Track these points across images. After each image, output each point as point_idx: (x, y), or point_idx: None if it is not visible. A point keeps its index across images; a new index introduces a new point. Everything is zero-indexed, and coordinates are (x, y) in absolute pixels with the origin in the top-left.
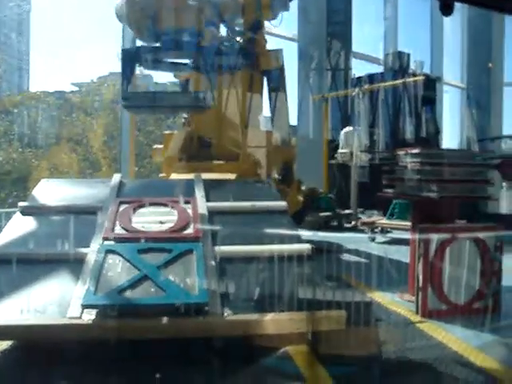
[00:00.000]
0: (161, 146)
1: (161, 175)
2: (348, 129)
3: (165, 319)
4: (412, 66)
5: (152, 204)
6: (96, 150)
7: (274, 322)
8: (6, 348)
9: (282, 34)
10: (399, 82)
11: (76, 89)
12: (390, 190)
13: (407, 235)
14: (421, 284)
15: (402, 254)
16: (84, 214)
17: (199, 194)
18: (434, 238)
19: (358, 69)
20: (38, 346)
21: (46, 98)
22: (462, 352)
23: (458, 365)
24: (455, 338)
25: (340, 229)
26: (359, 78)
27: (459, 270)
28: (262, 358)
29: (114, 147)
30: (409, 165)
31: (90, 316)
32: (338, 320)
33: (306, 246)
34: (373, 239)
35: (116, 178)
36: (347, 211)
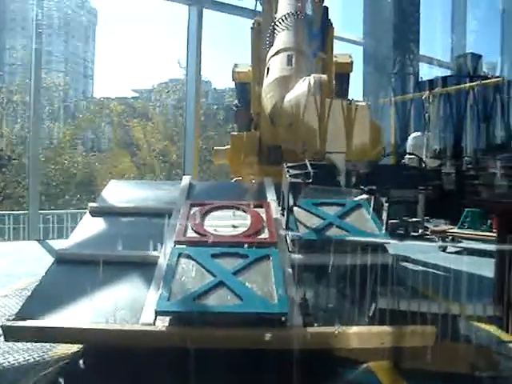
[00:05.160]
0: (223, 148)
1: (236, 179)
2: (416, 134)
3: (243, 329)
4: (484, 69)
5: (224, 207)
6: (157, 154)
7: (357, 335)
8: (76, 351)
9: (347, 37)
10: (473, 84)
11: (137, 95)
12: (474, 197)
13: (482, 245)
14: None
15: (478, 266)
16: (154, 216)
17: (271, 197)
18: None
19: (424, 72)
20: (109, 351)
21: (109, 103)
22: None
23: None
24: None
25: (407, 237)
26: (429, 81)
27: None
28: (344, 371)
29: (174, 152)
30: (498, 170)
31: (163, 323)
32: (427, 336)
33: (389, 255)
34: (444, 249)
35: (186, 179)
36: (414, 219)
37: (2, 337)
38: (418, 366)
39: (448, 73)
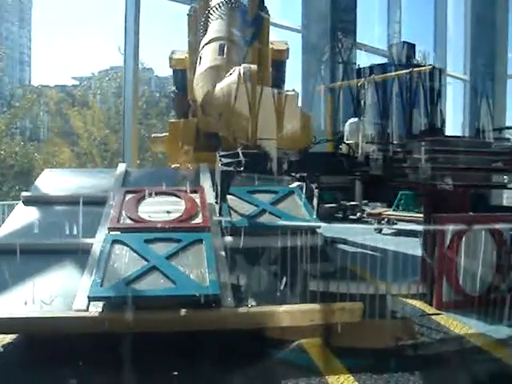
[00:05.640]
0: (161, 135)
1: (173, 166)
2: (352, 120)
3: (175, 312)
4: (417, 57)
5: (158, 193)
6: (98, 143)
7: (287, 314)
8: (10, 342)
9: (286, 24)
10: (404, 72)
11: (77, 83)
12: (400, 180)
13: (414, 226)
14: (435, 275)
15: (410, 246)
16: (89, 203)
17: (206, 183)
18: (449, 228)
19: (363, 60)
20: (43, 339)
21: (47, 91)
22: (481, 345)
23: (477, 358)
24: (472, 331)
25: (345, 220)
26: (363, 69)
27: (474, 261)
28: (276, 351)
29: (116, 141)
30: (422, 153)
31: (96, 308)
32: (354, 312)
33: (320, 238)
34: (379, 231)
35: (121, 167)
36: (352, 203)
37: None
38: (347, 344)
39: (384, 61)
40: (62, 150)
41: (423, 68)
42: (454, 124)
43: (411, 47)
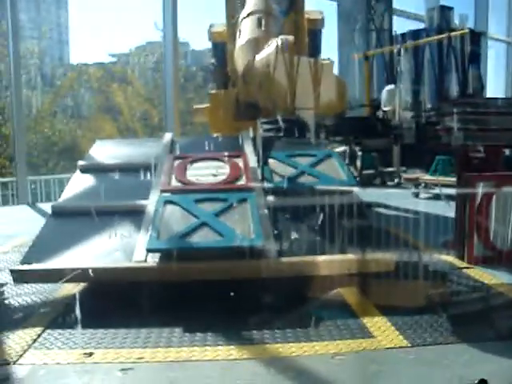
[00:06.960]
0: (202, 106)
1: (215, 135)
2: (389, 87)
3: (224, 262)
4: (455, 21)
5: (204, 158)
6: (138, 118)
7: (325, 263)
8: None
9: None
10: (442, 37)
11: (114, 59)
12: (434, 142)
13: (450, 191)
14: (467, 231)
15: (447, 208)
16: (140, 169)
17: (248, 149)
18: (481, 186)
19: (400, 27)
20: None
21: (87, 69)
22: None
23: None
24: (501, 282)
25: (383, 186)
26: (395, 36)
27: (505, 217)
28: (316, 297)
29: (156, 115)
30: (454, 115)
31: (153, 260)
32: (387, 262)
33: (355, 197)
34: (416, 195)
35: (167, 136)
36: (390, 169)
37: (12, 281)
38: (381, 303)
39: (422, 26)
40: (103, 125)
41: (460, 32)
42: (497, 88)
43: (449, 11)
